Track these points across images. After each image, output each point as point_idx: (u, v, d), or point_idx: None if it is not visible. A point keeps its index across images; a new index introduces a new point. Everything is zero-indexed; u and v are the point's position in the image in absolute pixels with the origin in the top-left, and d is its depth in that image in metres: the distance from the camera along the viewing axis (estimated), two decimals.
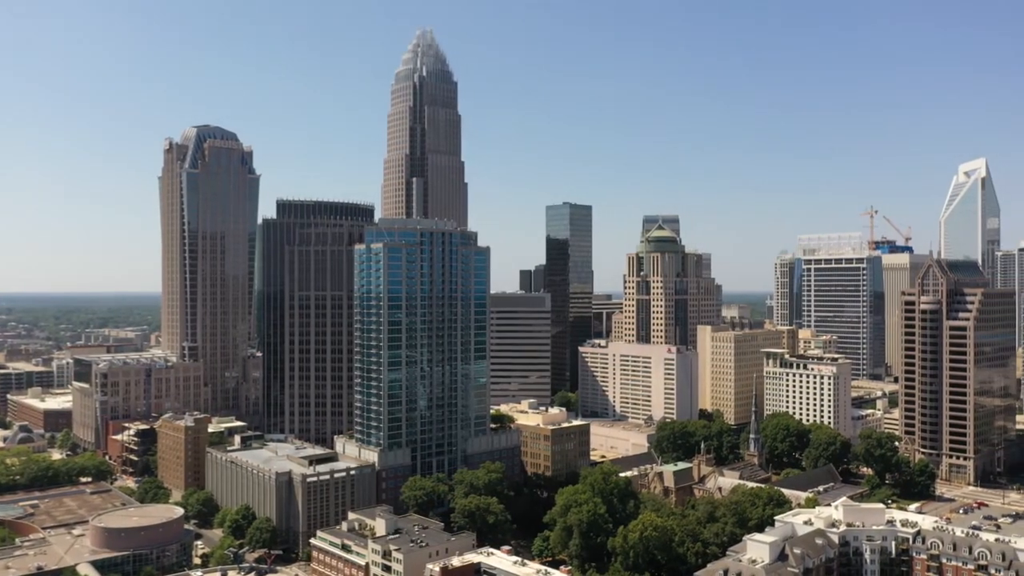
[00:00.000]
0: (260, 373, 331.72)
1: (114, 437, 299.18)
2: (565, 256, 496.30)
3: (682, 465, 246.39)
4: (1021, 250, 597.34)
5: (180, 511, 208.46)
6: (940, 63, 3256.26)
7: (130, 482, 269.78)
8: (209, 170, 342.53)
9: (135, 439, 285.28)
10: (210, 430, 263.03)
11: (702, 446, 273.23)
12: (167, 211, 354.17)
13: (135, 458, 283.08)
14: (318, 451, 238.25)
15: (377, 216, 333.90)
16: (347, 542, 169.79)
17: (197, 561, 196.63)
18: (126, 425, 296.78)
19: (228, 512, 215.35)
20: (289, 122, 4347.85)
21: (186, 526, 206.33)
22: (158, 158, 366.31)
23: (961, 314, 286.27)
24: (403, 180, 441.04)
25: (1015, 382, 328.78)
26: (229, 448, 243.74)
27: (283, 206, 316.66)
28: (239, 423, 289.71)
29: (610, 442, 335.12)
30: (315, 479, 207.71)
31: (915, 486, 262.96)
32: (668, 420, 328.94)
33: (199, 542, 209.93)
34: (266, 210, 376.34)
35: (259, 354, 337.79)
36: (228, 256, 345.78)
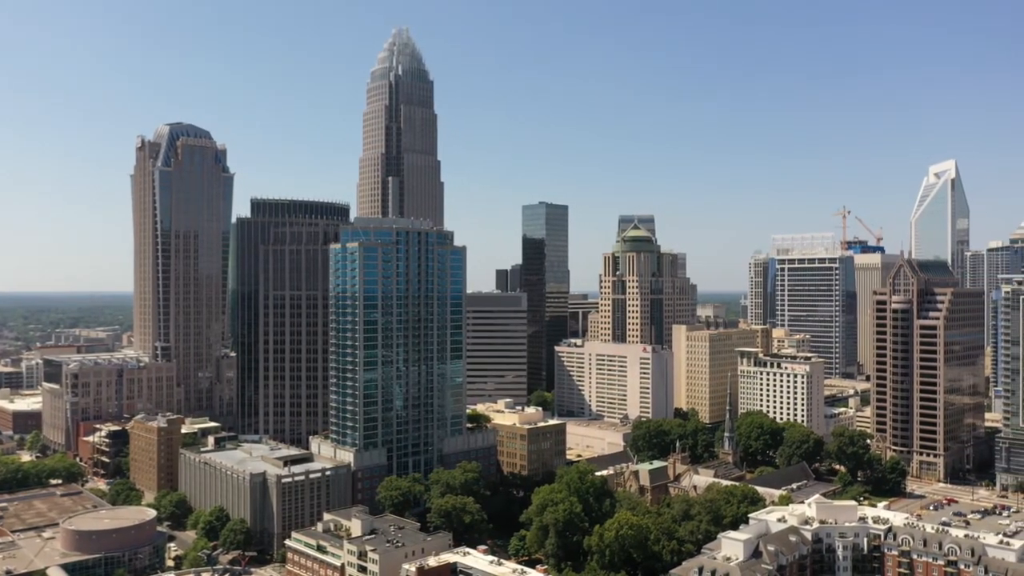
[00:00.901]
0: (234, 373, 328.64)
1: (85, 439, 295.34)
2: (541, 256, 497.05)
3: (657, 464, 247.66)
4: (990, 250, 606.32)
5: (153, 513, 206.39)
6: (911, 65, 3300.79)
7: (101, 484, 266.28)
8: (182, 168, 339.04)
9: (106, 440, 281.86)
10: (183, 431, 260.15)
11: (677, 445, 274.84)
12: (139, 209, 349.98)
13: (106, 460, 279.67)
14: (293, 452, 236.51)
15: (353, 215, 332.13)
16: (322, 543, 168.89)
17: (170, 563, 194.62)
18: (97, 426, 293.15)
19: (202, 514, 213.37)
20: (264, 120, 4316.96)
21: (159, 528, 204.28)
22: (130, 156, 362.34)
23: (931, 313, 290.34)
24: (379, 179, 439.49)
25: (984, 380, 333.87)
26: (203, 449, 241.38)
27: (257, 205, 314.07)
28: (213, 424, 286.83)
29: (586, 441, 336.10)
30: (290, 480, 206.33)
31: (886, 483, 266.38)
32: (644, 419, 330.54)
33: (172, 544, 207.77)
34: (240, 209, 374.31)
35: (233, 354, 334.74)
36: (201, 255, 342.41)
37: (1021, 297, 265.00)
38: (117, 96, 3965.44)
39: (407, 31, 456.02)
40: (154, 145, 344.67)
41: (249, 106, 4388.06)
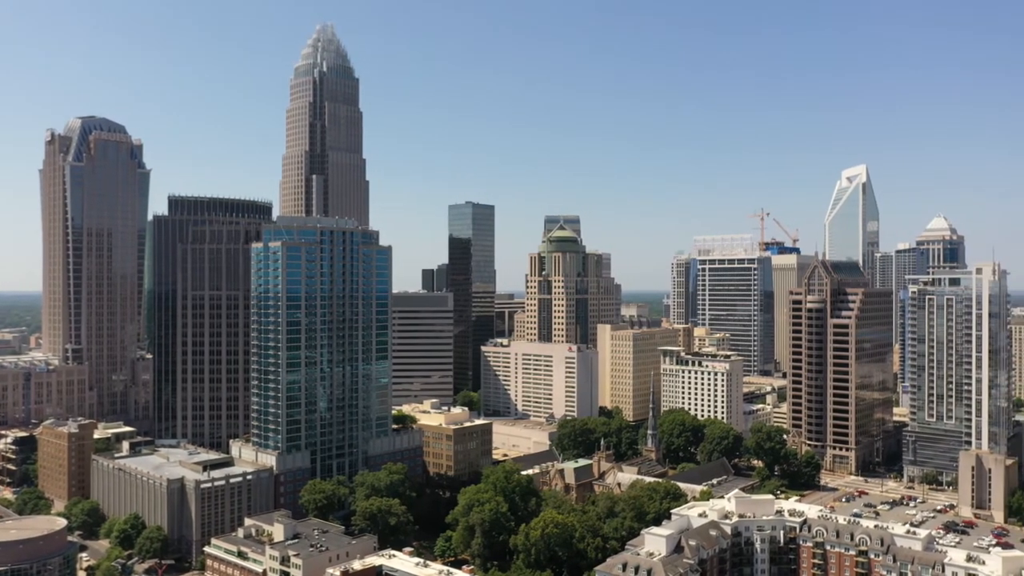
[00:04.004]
0: (150, 376, 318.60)
1: None
2: (467, 255, 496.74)
3: (583, 462, 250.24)
4: (898, 252, 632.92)
5: (63, 522, 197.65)
6: (826, 70, 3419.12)
7: (7, 493, 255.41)
8: (95, 163, 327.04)
9: (13, 447, 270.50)
10: (96, 436, 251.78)
11: (602, 443, 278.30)
12: (49, 206, 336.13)
13: (13, 467, 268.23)
14: (213, 456, 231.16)
15: (275, 214, 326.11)
16: (243, 549, 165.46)
17: (82, 574, 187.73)
18: (3, 432, 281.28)
19: (116, 522, 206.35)
20: (183, 116, 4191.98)
21: (70, 538, 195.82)
22: (39, 150, 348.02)
23: (844, 312, 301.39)
24: (302, 177, 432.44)
25: (892, 376, 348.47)
26: (117, 455, 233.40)
27: (175, 202, 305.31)
28: (128, 428, 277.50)
29: (512, 441, 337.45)
30: (209, 485, 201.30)
31: (802, 477, 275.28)
32: (569, 418, 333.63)
33: (84, 554, 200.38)
34: (157, 206, 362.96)
35: (149, 356, 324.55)
36: (116, 254, 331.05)
37: (927, 297, 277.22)
38: (25, 86, 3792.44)
39: (332, 27, 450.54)
40: (65, 139, 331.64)
41: (167, 101, 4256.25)
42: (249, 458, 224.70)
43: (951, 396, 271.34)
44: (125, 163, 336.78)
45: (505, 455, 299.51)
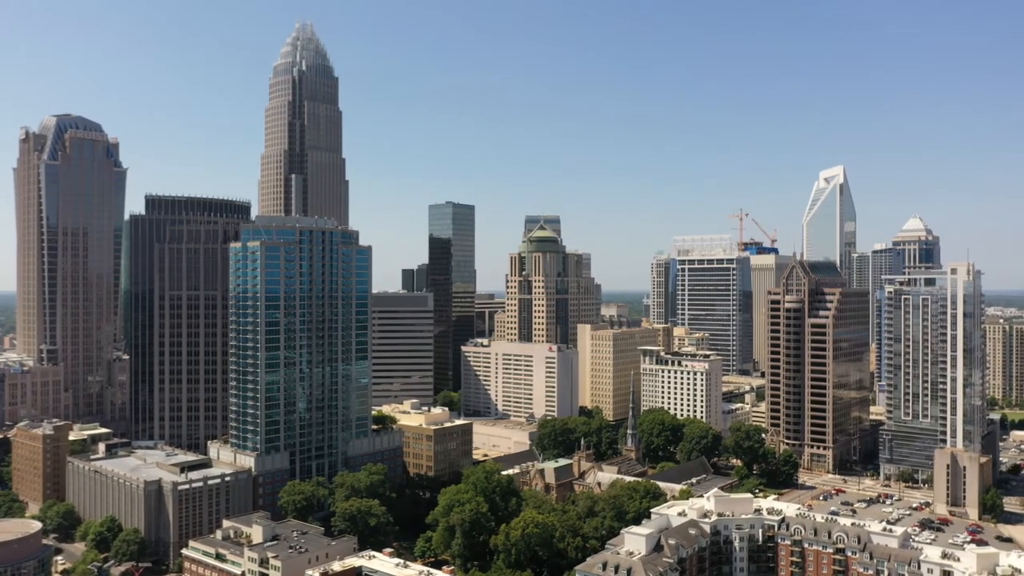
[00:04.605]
0: (127, 377, 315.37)
1: None
2: (448, 255, 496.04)
3: (563, 461, 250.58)
4: (874, 252, 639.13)
5: (38, 525, 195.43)
6: (805, 72, 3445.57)
7: None
8: (71, 162, 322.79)
9: None
10: (71, 438, 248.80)
11: (582, 442, 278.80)
12: (23, 205, 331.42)
13: None
14: (190, 457, 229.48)
15: (254, 213, 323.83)
16: (221, 551, 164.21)
17: None
18: None
19: (92, 524, 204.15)
20: (161, 114, 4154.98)
21: (45, 541, 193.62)
22: (13, 148, 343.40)
23: (821, 312, 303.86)
24: (281, 177, 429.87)
25: (869, 375, 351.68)
26: (93, 457, 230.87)
27: (152, 202, 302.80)
28: (104, 430, 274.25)
29: (492, 441, 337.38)
30: (187, 487, 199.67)
31: (780, 475, 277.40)
32: (549, 418, 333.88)
33: (59, 557, 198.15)
34: (134, 206, 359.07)
35: (126, 357, 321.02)
36: (92, 253, 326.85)
37: (903, 297, 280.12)
38: None
39: (311, 26, 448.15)
40: (40, 138, 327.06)
41: (144, 99, 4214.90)
42: (227, 459, 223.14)
43: (926, 395, 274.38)
44: (101, 162, 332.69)
45: (485, 455, 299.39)
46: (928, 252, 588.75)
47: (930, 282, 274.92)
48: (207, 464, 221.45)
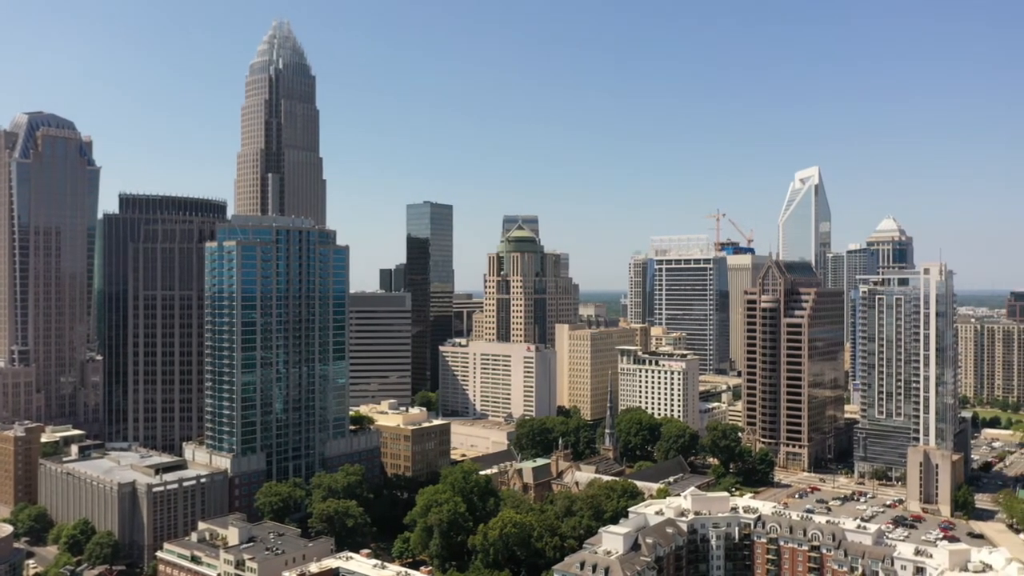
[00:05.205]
0: (100, 378, 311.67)
1: None
2: (426, 255, 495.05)
3: (541, 461, 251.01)
4: (849, 252, 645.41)
5: (9, 528, 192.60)
6: (783, 72, 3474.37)
7: None
8: (43, 160, 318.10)
9: None
10: (43, 440, 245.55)
11: (560, 442, 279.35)
12: None
13: None
14: (165, 459, 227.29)
15: (230, 212, 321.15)
16: (197, 553, 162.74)
17: None
18: None
19: (64, 527, 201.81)
20: (135, 113, 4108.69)
21: (16, 545, 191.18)
22: None
23: (797, 312, 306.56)
24: (258, 176, 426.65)
25: (843, 374, 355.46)
26: (65, 459, 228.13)
27: (126, 200, 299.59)
28: (77, 432, 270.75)
29: (470, 441, 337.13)
30: (161, 489, 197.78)
31: (756, 474, 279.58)
32: (527, 417, 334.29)
33: (31, 561, 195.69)
34: (108, 205, 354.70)
35: (99, 357, 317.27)
36: (64, 253, 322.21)
37: (876, 297, 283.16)
38: None
39: (288, 24, 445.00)
40: (11, 135, 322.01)
41: (119, 97, 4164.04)
42: (203, 461, 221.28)
43: (900, 393, 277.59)
44: (74, 160, 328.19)
45: (463, 455, 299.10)
46: (901, 252, 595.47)
47: (903, 282, 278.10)
48: (182, 466, 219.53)
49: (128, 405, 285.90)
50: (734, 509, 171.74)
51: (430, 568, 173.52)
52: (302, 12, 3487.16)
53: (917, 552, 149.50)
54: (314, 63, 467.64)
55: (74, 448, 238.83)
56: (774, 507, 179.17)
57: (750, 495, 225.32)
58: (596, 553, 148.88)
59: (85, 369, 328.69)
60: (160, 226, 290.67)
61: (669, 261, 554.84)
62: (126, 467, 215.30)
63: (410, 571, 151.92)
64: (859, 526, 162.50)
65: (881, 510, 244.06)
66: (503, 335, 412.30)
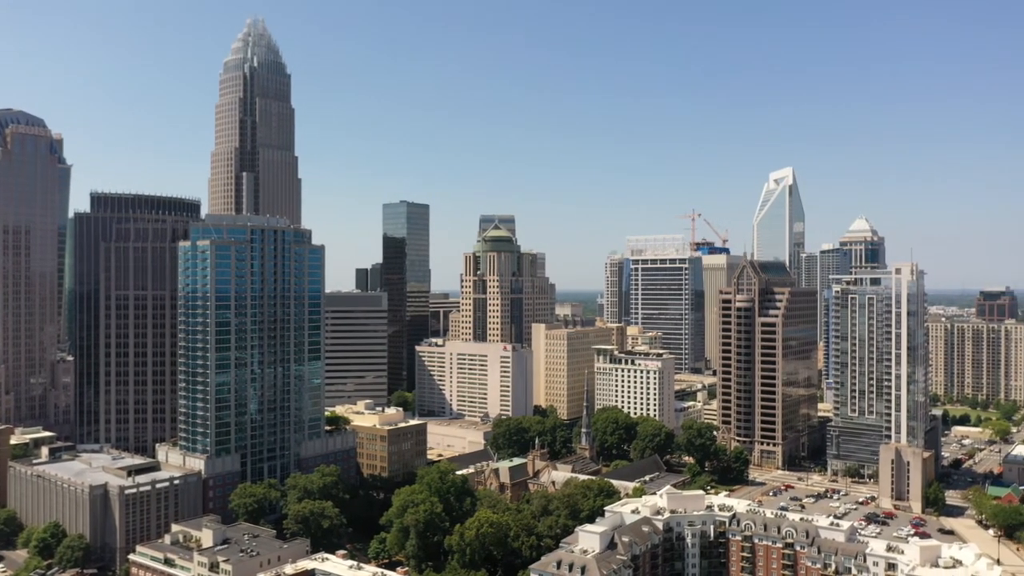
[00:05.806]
0: (71, 379, 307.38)
1: None
2: (402, 255, 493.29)
3: (517, 461, 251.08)
4: (822, 252, 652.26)
5: None
6: (759, 72, 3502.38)
7: None
8: (12, 158, 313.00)
9: None
10: (13, 442, 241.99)
11: (536, 441, 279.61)
12: None
13: None
14: (138, 460, 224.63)
15: (204, 212, 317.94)
16: (170, 556, 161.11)
17: None
18: None
19: (34, 530, 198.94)
20: (107, 110, 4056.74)
21: None
22: None
23: (771, 311, 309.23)
24: (232, 175, 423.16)
25: (816, 373, 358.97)
26: (35, 461, 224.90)
27: (97, 199, 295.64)
28: (47, 433, 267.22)
29: (447, 440, 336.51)
30: (134, 490, 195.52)
31: (731, 472, 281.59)
32: (504, 417, 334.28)
33: (0, 565, 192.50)
34: (79, 203, 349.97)
35: (70, 358, 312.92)
36: (33, 252, 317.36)
37: (849, 296, 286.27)
38: None
39: (263, 22, 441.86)
40: None
41: (90, 94, 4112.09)
42: (176, 462, 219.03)
43: (872, 392, 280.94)
44: (44, 158, 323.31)
45: (440, 455, 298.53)
46: (874, 252, 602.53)
47: (875, 282, 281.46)
48: (155, 467, 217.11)
49: (100, 406, 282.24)
50: (709, 507, 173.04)
51: (406, 569, 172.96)
52: (277, 10, 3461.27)
53: (889, 548, 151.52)
54: (289, 61, 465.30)
55: (44, 450, 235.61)
56: (749, 505, 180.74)
57: (725, 493, 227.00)
58: (573, 552, 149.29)
59: (56, 370, 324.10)
60: (132, 225, 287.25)
61: (645, 261, 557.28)
62: (98, 469, 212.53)
63: (386, 572, 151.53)
64: (832, 523, 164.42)
65: (854, 507, 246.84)
66: (479, 335, 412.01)
